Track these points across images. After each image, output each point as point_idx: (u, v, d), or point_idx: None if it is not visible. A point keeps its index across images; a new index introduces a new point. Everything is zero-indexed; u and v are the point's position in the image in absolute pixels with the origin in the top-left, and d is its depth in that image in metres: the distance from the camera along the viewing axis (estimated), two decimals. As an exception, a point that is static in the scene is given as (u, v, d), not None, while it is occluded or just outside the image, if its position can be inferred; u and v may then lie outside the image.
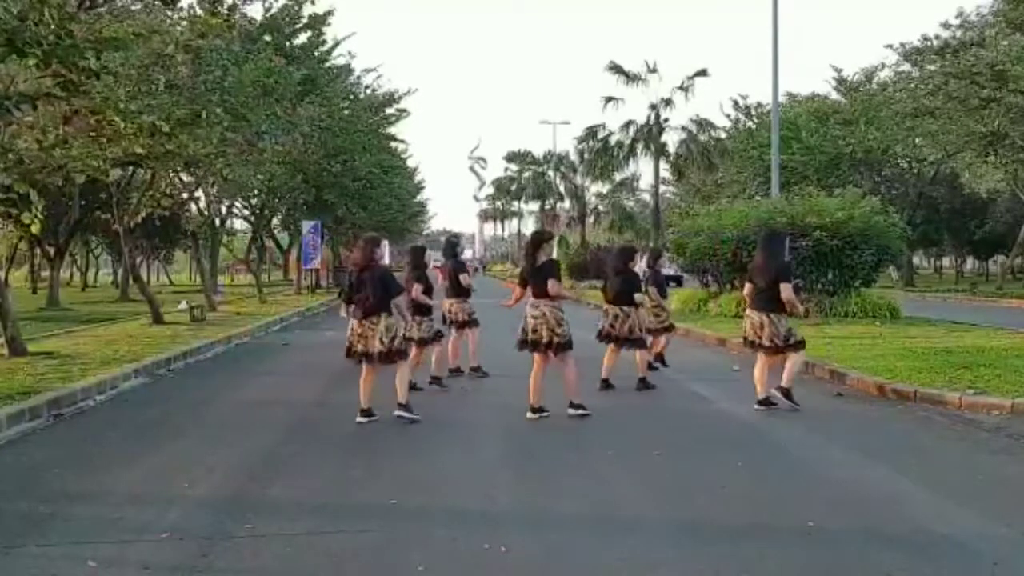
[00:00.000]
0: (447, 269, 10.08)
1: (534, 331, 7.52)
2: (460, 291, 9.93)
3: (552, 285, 7.46)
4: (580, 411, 7.57)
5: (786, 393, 7.92)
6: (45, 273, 34.30)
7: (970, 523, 4.72)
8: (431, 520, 4.75)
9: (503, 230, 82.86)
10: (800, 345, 7.98)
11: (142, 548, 4.34)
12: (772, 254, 8.10)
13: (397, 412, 7.46)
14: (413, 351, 8.93)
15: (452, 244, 10.58)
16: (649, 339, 10.07)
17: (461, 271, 10.03)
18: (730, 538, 4.46)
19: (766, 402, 7.93)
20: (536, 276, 7.60)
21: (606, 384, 9.12)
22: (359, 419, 7.43)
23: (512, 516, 4.88)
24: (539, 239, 7.91)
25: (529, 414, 7.59)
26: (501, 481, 5.64)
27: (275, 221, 35.06)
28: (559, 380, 7.66)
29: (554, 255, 7.78)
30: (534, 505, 5.09)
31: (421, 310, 9.15)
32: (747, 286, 8.37)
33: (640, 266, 10.19)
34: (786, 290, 7.78)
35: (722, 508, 4.99)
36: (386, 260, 7.86)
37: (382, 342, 7.38)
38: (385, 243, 7.91)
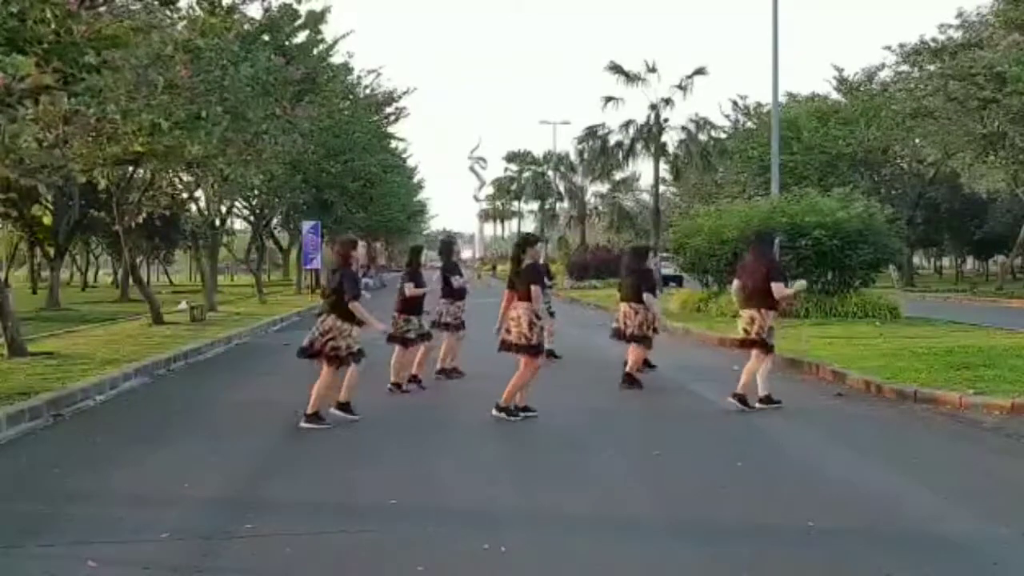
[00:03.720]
0: (442, 270, 10.01)
1: (507, 331, 7.50)
2: (451, 293, 9.82)
3: (533, 290, 7.43)
4: (502, 414, 7.41)
5: (768, 399, 7.95)
6: (45, 273, 34.27)
7: (970, 523, 4.72)
8: (431, 520, 4.75)
9: (503, 230, 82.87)
10: (769, 349, 8.04)
11: (142, 548, 4.34)
12: (762, 254, 8.22)
13: (332, 408, 7.34)
14: (398, 350, 8.95)
15: (447, 244, 10.53)
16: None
17: (453, 273, 9.94)
18: (730, 538, 4.46)
19: (767, 400, 7.95)
20: (517, 279, 7.60)
21: (630, 380, 9.21)
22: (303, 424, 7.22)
23: (512, 516, 4.87)
24: (523, 244, 7.90)
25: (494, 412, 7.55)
26: (501, 481, 5.63)
27: (275, 221, 35.04)
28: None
29: (540, 259, 7.71)
30: (534, 505, 5.09)
31: (409, 309, 9.10)
32: (736, 284, 8.44)
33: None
34: (778, 289, 7.88)
35: (722, 508, 4.99)
36: (361, 260, 7.82)
37: (312, 336, 7.31)
38: (362, 244, 7.89)
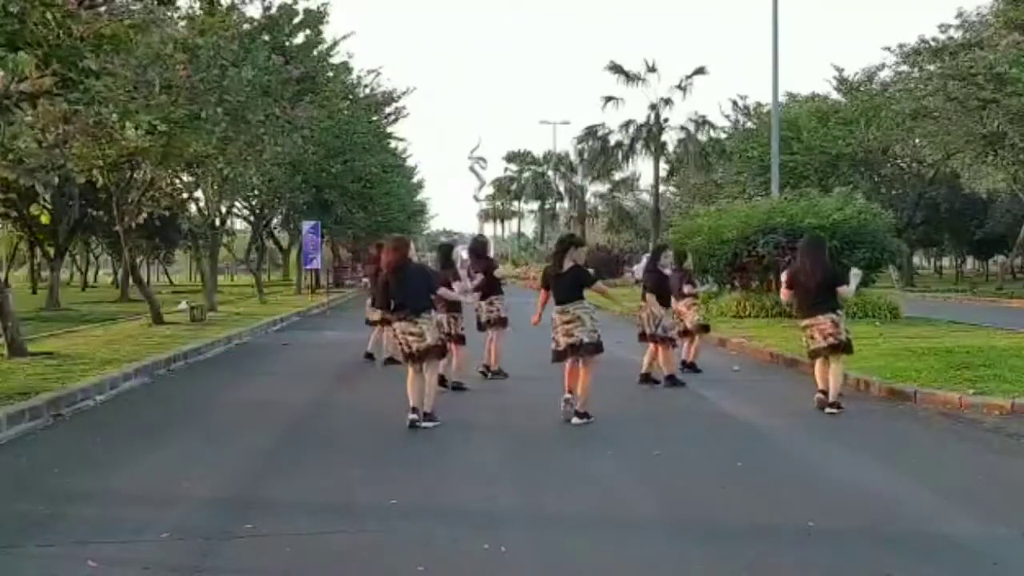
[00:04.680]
0: (481, 268, 9.92)
1: (571, 336, 7.33)
2: (494, 289, 9.82)
3: (597, 286, 7.66)
4: (584, 420, 7.30)
5: (837, 405, 7.87)
6: (45, 273, 34.26)
7: (970, 523, 4.72)
8: (431, 520, 4.75)
9: (503, 230, 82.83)
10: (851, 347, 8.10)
11: (142, 548, 4.34)
12: (818, 259, 8.09)
13: (425, 423, 7.15)
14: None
15: (483, 244, 10.55)
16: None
17: (494, 267, 10.11)
18: (730, 538, 4.46)
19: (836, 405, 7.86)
20: (561, 282, 7.53)
21: (646, 378, 9.35)
22: (411, 415, 7.13)
23: (512, 516, 4.87)
24: (566, 244, 7.80)
25: (567, 395, 7.49)
26: (501, 481, 5.63)
27: (275, 221, 35.04)
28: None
29: (582, 261, 7.69)
30: (534, 505, 5.09)
31: (452, 308, 9.08)
32: (786, 292, 8.29)
33: (639, 267, 10.36)
34: (846, 291, 8.03)
35: (722, 508, 4.99)
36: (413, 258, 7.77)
37: (435, 337, 7.36)
38: (413, 243, 7.86)
